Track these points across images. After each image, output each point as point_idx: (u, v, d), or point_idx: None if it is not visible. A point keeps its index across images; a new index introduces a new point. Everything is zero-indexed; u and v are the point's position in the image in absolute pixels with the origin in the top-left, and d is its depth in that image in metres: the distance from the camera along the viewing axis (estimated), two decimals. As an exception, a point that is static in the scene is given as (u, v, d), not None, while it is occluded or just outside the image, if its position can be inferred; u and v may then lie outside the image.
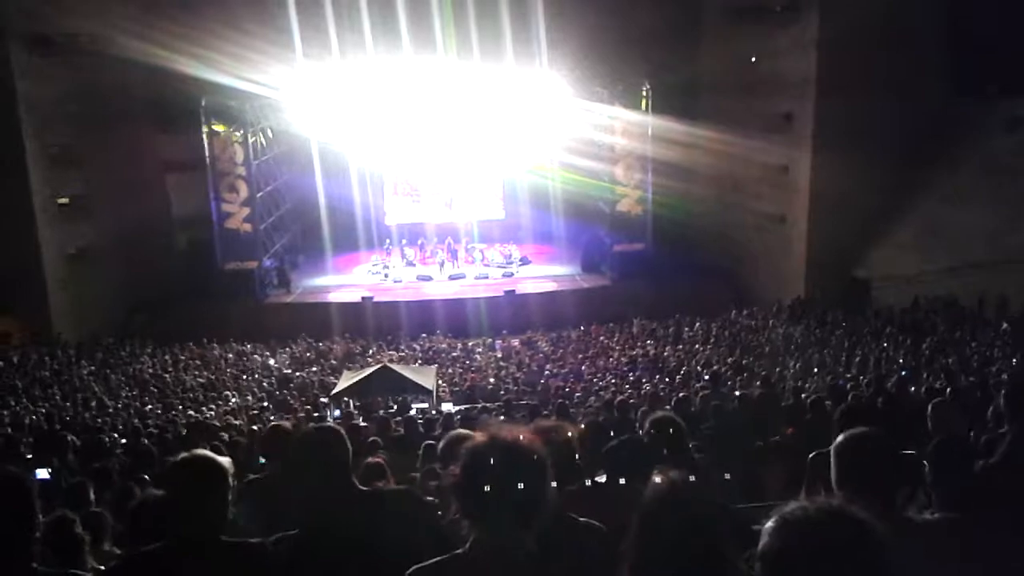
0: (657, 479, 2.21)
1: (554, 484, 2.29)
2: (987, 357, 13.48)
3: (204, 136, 23.13)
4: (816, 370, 14.65)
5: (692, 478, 2.57)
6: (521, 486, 2.16)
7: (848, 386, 11.36)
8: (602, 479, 3.63)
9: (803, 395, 10.21)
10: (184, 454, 2.90)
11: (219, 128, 23.18)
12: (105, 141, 22.79)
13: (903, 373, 11.93)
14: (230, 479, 2.87)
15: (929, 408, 5.59)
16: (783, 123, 22.77)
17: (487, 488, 2.15)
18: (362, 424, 10.81)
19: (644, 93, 23.57)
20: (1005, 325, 15.95)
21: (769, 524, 1.71)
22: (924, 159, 21.51)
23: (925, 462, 3.33)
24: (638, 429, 6.01)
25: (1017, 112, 19.98)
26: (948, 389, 8.72)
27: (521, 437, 2.27)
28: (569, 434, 2.98)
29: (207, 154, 23.25)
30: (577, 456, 3.40)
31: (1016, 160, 19.44)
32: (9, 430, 11.09)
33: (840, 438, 2.80)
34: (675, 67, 24.30)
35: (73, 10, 21.26)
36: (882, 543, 1.65)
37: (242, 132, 23.26)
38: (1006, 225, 18.70)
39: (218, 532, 2.72)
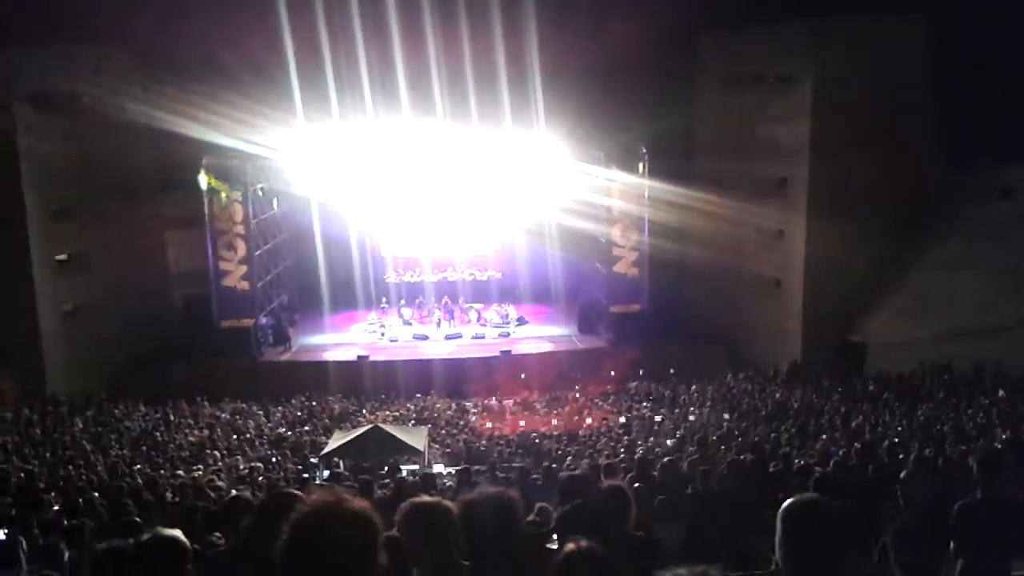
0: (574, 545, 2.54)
1: None
2: (983, 424, 13.37)
3: (203, 194, 23.35)
4: (811, 436, 14.51)
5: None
6: (351, 552, 2.04)
7: (840, 453, 11.26)
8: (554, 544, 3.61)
9: (794, 462, 10.10)
10: (147, 535, 2.98)
11: (219, 187, 23.41)
12: (104, 198, 23.06)
13: (895, 440, 11.81)
14: (188, 556, 2.96)
15: (900, 478, 5.53)
16: (778, 188, 23.04)
17: (313, 555, 2.02)
18: (347, 485, 10.70)
19: (640, 156, 23.85)
20: (1001, 392, 15.87)
21: None
22: (918, 225, 21.73)
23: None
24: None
25: (1008, 181, 20.24)
26: (937, 458, 8.63)
27: (349, 504, 2.14)
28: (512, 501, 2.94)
29: (206, 212, 23.46)
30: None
31: (1007, 228, 19.60)
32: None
33: (785, 504, 2.75)
34: (671, 131, 24.65)
35: (78, 71, 21.76)
36: None
37: (242, 191, 23.50)
38: (999, 292, 18.76)
39: None
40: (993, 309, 18.61)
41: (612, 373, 22.61)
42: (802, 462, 9.93)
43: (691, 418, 17.90)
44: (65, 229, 22.34)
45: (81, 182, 22.50)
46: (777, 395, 19.15)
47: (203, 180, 22.96)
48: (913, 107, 21.66)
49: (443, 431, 18.50)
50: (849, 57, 21.30)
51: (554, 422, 19.07)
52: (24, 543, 5.79)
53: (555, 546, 3.69)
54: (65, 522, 7.27)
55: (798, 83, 22.12)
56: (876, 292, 21.54)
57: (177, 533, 3.03)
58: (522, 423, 19.25)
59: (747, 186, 23.14)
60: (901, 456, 10.13)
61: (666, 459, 9.98)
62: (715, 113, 25.16)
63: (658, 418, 18.12)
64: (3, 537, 6.32)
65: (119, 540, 3.24)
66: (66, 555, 5.73)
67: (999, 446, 7.90)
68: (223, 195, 23.31)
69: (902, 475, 5.57)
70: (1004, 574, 4.17)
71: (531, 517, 5.64)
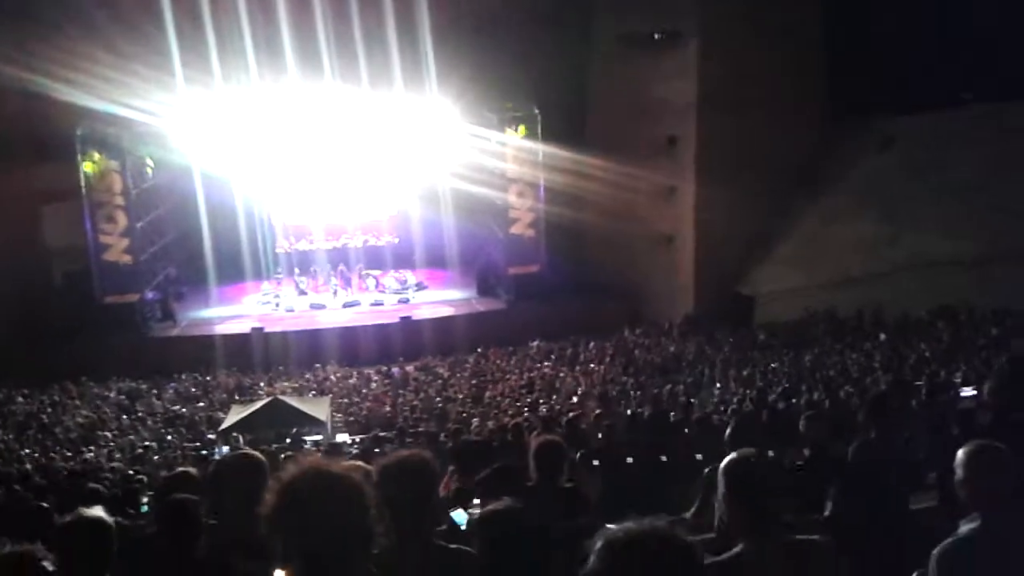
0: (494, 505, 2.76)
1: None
2: (865, 368, 14.15)
3: (79, 165, 22.10)
4: (705, 386, 15.06)
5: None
6: (342, 518, 2.01)
7: (735, 400, 11.74)
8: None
9: (692, 412, 10.45)
10: (69, 516, 2.90)
11: (95, 156, 22.21)
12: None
13: (785, 386, 12.37)
14: (113, 537, 2.90)
15: (801, 422, 5.81)
16: (669, 146, 23.49)
17: (300, 518, 1.98)
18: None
19: (534, 117, 23.86)
20: (882, 336, 16.81)
21: (596, 544, 1.75)
22: (804, 178, 22.62)
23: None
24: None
25: (888, 131, 21.25)
26: (825, 400, 9.08)
27: (336, 465, 2.14)
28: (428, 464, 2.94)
29: (82, 183, 22.24)
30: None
31: (888, 178, 20.61)
32: None
33: (728, 459, 2.90)
34: (564, 91, 24.75)
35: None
36: (702, 568, 1.73)
37: (120, 161, 22.36)
38: (880, 240, 19.79)
39: None
40: (875, 256, 19.63)
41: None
42: (700, 412, 10.30)
43: (592, 375, 18.27)
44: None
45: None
46: (672, 348, 19.75)
47: (78, 148, 21.74)
48: (800, 62, 22.37)
49: (345, 400, 18.30)
50: (735, 13, 21.79)
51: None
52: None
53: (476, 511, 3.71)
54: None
55: (685, 40, 22.52)
56: (765, 245, 22.38)
57: (100, 513, 2.94)
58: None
59: (640, 146, 23.52)
60: (793, 401, 10.65)
61: (571, 415, 10.18)
62: (608, 73, 25.33)
63: (562, 375, 18.43)
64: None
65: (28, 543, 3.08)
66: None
67: (884, 388, 8.40)
68: (100, 165, 22.14)
69: (802, 417, 5.83)
70: (903, 509, 4.43)
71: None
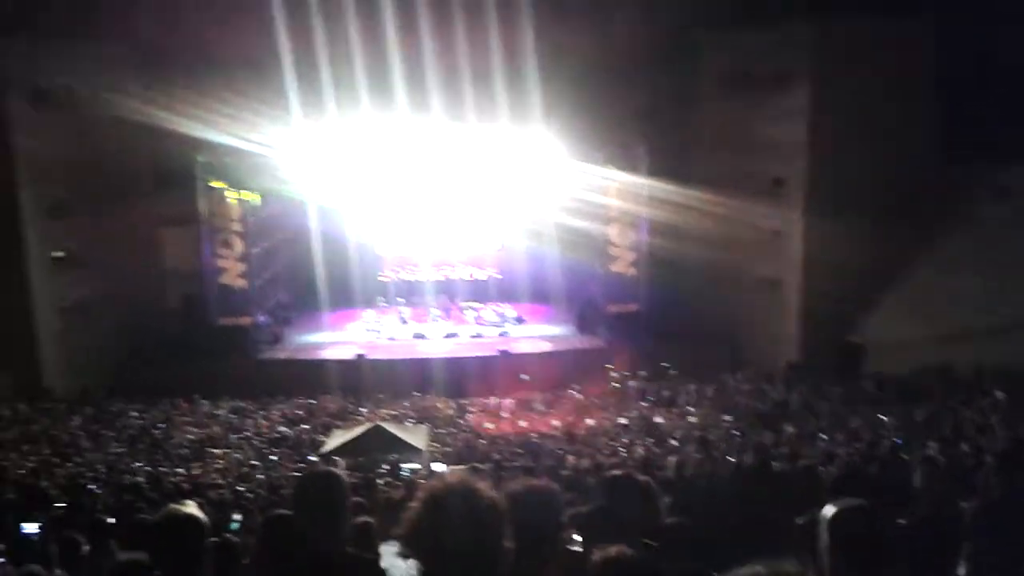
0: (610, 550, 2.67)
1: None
2: (982, 426, 13.42)
3: (199, 192, 23.27)
4: (809, 436, 14.55)
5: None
6: (479, 535, 2.04)
7: (842, 453, 11.31)
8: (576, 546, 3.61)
9: (797, 462, 10.12)
10: (164, 511, 2.98)
11: (215, 185, 23.34)
12: (100, 195, 22.96)
13: (896, 441, 11.86)
14: (206, 534, 2.96)
15: (916, 475, 5.55)
16: (775, 187, 23.04)
17: (441, 534, 2.03)
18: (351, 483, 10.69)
19: (639, 155, 23.82)
20: (999, 394, 15.91)
21: None
22: (917, 225, 21.76)
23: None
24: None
25: (1004, 182, 20.32)
26: (940, 457, 8.65)
27: (481, 486, 2.16)
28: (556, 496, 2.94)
29: (202, 210, 23.37)
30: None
31: (1005, 229, 19.67)
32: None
33: (831, 509, 2.81)
34: (670, 129, 24.65)
35: (74, 67, 21.65)
36: None
37: (238, 189, 23.41)
38: (997, 293, 18.83)
39: None
40: (991, 310, 18.67)
41: (612, 372, 22.55)
42: (806, 463, 9.95)
43: (690, 419, 17.93)
44: (62, 226, 22.25)
45: (77, 179, 22.40)
46: (775, 396, 19.20)
47: (199, 177, 22.90)
48: (913, 107, 21.69)
49: (442, 430, 18.48)
50: (849, 56, 21.33)
51: (554, 422, 19.06)
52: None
53: (578, 548, 3.68)
54: (82, 518, 7.23)
55: (797, 81, 22.15)
56: (875, 292, 21.59)
57: (193, 509, 3.00)
58: (522, 423, 19.24)
59: (745, 185, 23.13)
60: (903, 456, 10.18)
61: (671, 459, 10.01)
62: (715, 112, 25.15)
63: (658, 419, 18.14)
64: (36, 531, 6.29)
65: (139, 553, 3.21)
66: (83, 548, 5.73)
67: (1009, 444, 7.94)
68: (219, 193, 23.25)
69: (915, 474, 5.58)
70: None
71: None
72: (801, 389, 19.15)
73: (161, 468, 13.81)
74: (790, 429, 15.32)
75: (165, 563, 2.86)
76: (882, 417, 15.17)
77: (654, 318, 24.31)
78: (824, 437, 14.05)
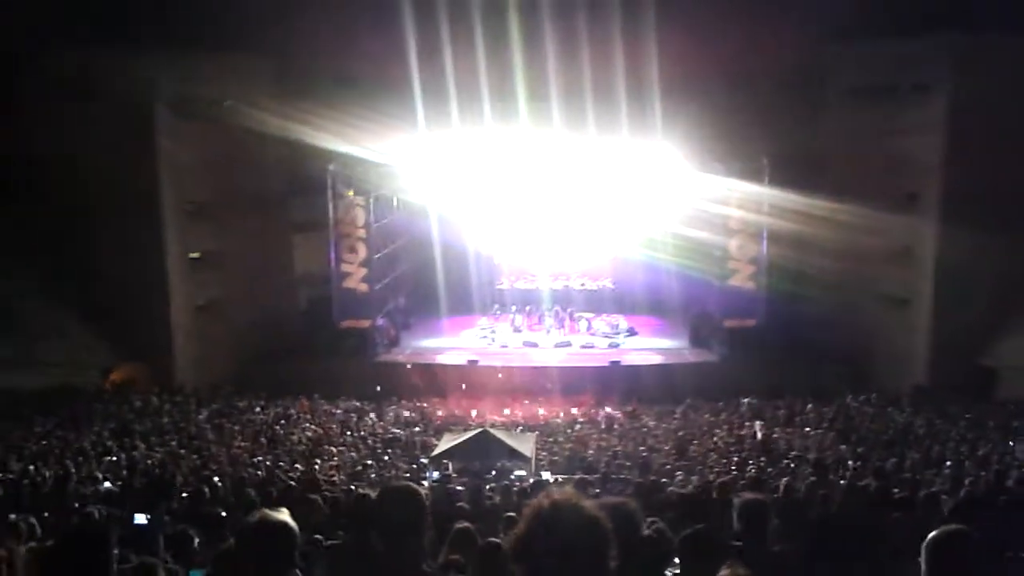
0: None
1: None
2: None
3: (329, 199, 24.20)
4: (935, 463, 13.83)
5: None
6: (585, 554, 2.04)
7: (967, 481, 10.71)
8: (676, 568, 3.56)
9: (919, 489, 9.65)
10: (257, 516, 2.99)
11: (344, 192, 24.22)
12: (236, 201, 24.19)
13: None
14: (297, 541, 2.97)
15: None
16: (907, 202, 22.06)
17: (548, 551, 2.02)
18: (457, 489, 10.85)
19: (762, 167, 23.24)
20: None
21: None
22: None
23: None
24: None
25: None
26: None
27: (587, 503, 2.16)
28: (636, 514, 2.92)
29: (331, 216, 24.29)
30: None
31: None
32: (124, 472, 11.66)
33: (933, 534, 2.71)
34: (794, 141, 23.96)
35: (215, 80, 22.92)
36: None
37: (364, 196, 24.22)
38: None
39: None
40: None
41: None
42: (930, 490, 9.49)
43: (807, 440, 17.32)
44: (199, 229, 23.58)
45: (215, 185, 23.72)
46: (899, 419, 18.34)
47: (329, 184, 23.80)
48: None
49: (550, 439, 18.51)
50: (986, 68, 20.22)
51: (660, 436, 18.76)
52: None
53: (676, 571, 3.64)
54: (197, 510, 7.61)
55: (933, 94, 21.15)
56: (1011, 312, 20.33)
57: (285, 516, 3.01)
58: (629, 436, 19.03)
59: (874, 200, 22.21)
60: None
61: (784, 480, 9.72)
62: (842, 125, 24.34)
63: (775, 436, 17.62)
64: (144, 522, 6.62)
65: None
66: (196, 542, 5.98)
67: None
68: (347, 200, 24.12)
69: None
70: None
71: (647, 532, 5.58)
72: (928, 413, 18.21)
73: (280, 464, 14.37)
74: (915, 455, 14.60)
75: (255, 567, 2.90)
76: (1012, 444, 14.29)
77: (772, 333, 23.61)
78: (949, 464, 13.32)
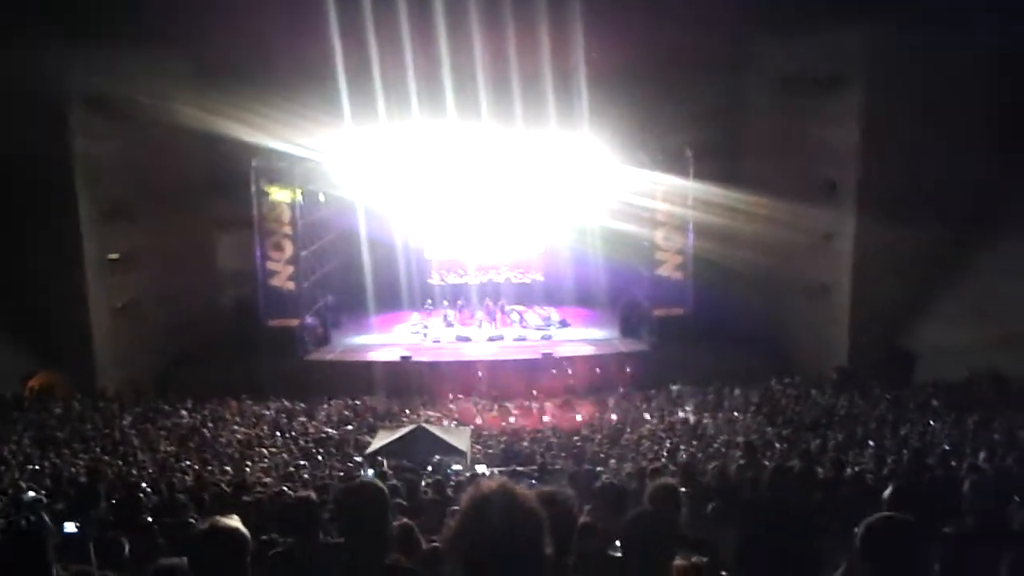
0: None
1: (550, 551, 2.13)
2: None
3: (253, 196, 23.70)
4: (858, 443, 14.30)
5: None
6: (519, 542, 2.01)
7: (890, 460, 11.10)
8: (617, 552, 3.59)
9: (844, 468, 9.96)
10: (207, 523, 2.93)
11: (268, 189, 23.78)
12: (155, 199, 23.50)
13: (945, 449, 11.60)
14: (249, 547, 2.92)
15: (966, 485, 5.43)
16: (827, 191, 22.68)
17: (481, 540, 2.00)
18: (395, 484, 10.76)
19: (686, 159, 23.68)
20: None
21: None
22: (972, 229, 21.21)
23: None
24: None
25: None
26: (988, 467, 8.46)
27: (521, 491, 2.12)
28: (571, 501, 2.94)
29: (255, 213, 23.79)
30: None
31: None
32: (48, 482, 11.25)
33: (868, 520, 2.77)
34: (718, 133, 24.46)
35: (131, 76, 22.18)
36: None
37: (289, 193, 23.81)
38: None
39: None
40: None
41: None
42: (855, 469, 9.81)
43: (736, 424, 17.74)
44: (117, 229, 22.78)
45: (133, 183, 22.95)
46: (822, 402, 18.91)
47: (252, 181, 23.31)
48: (976, 104, 21.10)
49: (485, 432, 18.55)
50: (904, 55, 20.86)
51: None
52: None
53: (618, 553, 3.67)
54: (125, 517, 7.39)
55: (849, 84, 21.77)
56: (927, 298, 21.11)
57: (237, 523, 2.97)
58: (564, 425, 19.23)
59: (795, 189, 22.81)
60: (953, 464, 9.96)
61: (713, 464, 9.91)
62: (763, 116, 24.90)
63: (705, 421, 17.99)
64: (74, 530, 6.43)
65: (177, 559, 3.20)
66: (126, 550, 5.83)
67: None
68: (271, 197, 23.68)
69: (965, 484, 5.47)
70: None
71: (584, 519, 5.63)
72: (850, 395, 18.83)
73: (209, 467, 14.06)
74: (838, 436, 15.07)
75: (205, 574, 2.85)
76: (932, 424, 14.86)
77: (699, 321, 24.11)
78: (872, 444, 13.80)
